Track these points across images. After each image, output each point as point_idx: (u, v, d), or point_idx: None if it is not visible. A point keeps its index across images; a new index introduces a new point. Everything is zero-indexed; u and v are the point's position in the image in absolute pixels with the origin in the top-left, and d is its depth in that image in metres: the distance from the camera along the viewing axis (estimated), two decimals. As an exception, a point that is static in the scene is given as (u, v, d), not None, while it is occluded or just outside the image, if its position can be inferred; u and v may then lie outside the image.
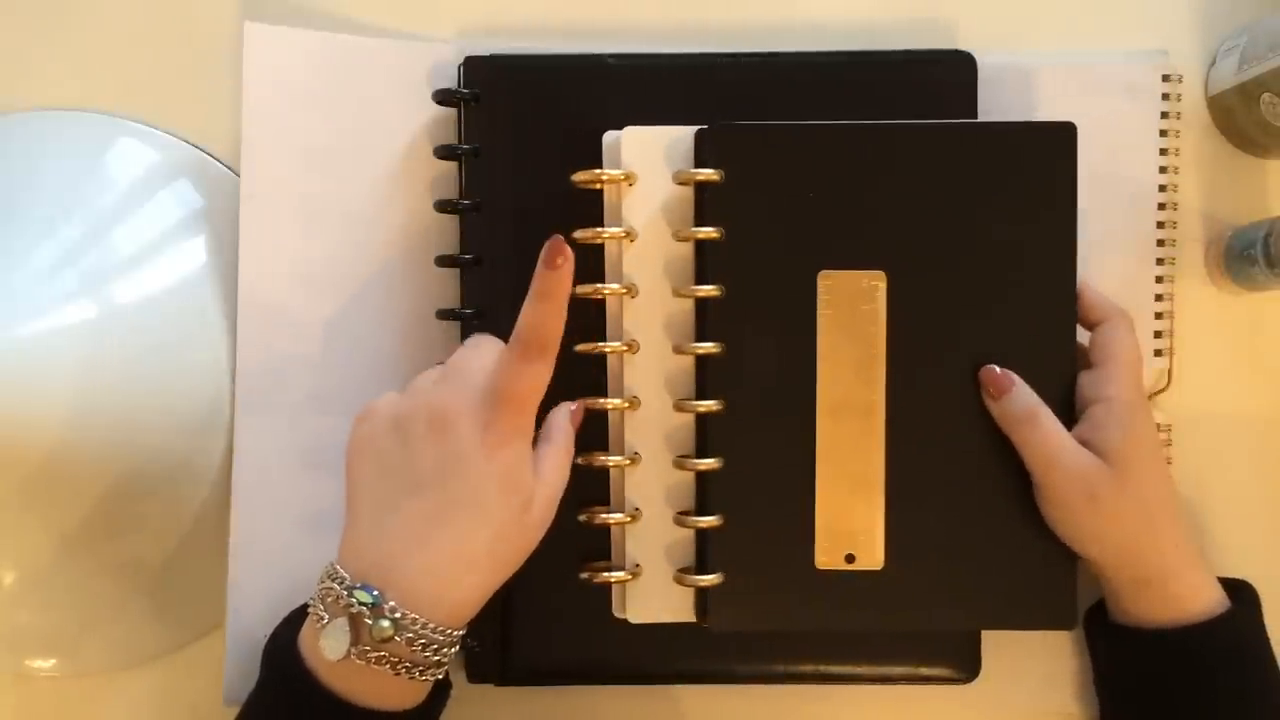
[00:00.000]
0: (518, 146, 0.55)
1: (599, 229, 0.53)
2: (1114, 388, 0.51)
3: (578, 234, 0.52)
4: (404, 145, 0.57)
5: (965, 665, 0.56)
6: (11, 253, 0.52)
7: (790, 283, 0.52)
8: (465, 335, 0.55)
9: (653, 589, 0.53)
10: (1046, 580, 0.52)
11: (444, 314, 0.56)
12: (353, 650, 0.44)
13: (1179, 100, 0.57)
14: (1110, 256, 0.56)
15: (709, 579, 0.51)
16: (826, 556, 0.52)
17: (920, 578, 0.52)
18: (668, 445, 0.53)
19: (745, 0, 0.59)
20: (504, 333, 0.48)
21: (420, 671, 0.45)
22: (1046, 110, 0.57)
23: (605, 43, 0.58)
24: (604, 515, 0.53)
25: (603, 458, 0.53)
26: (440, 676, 0.46)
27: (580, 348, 0.52)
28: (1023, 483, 0.52)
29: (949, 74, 0.56)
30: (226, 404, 0.56)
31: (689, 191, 0.52)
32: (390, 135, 0.57)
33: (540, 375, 0.47)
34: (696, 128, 0.52)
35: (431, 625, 0.45)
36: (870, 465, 0.52)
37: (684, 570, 0.52)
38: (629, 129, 0.53)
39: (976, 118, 0.55)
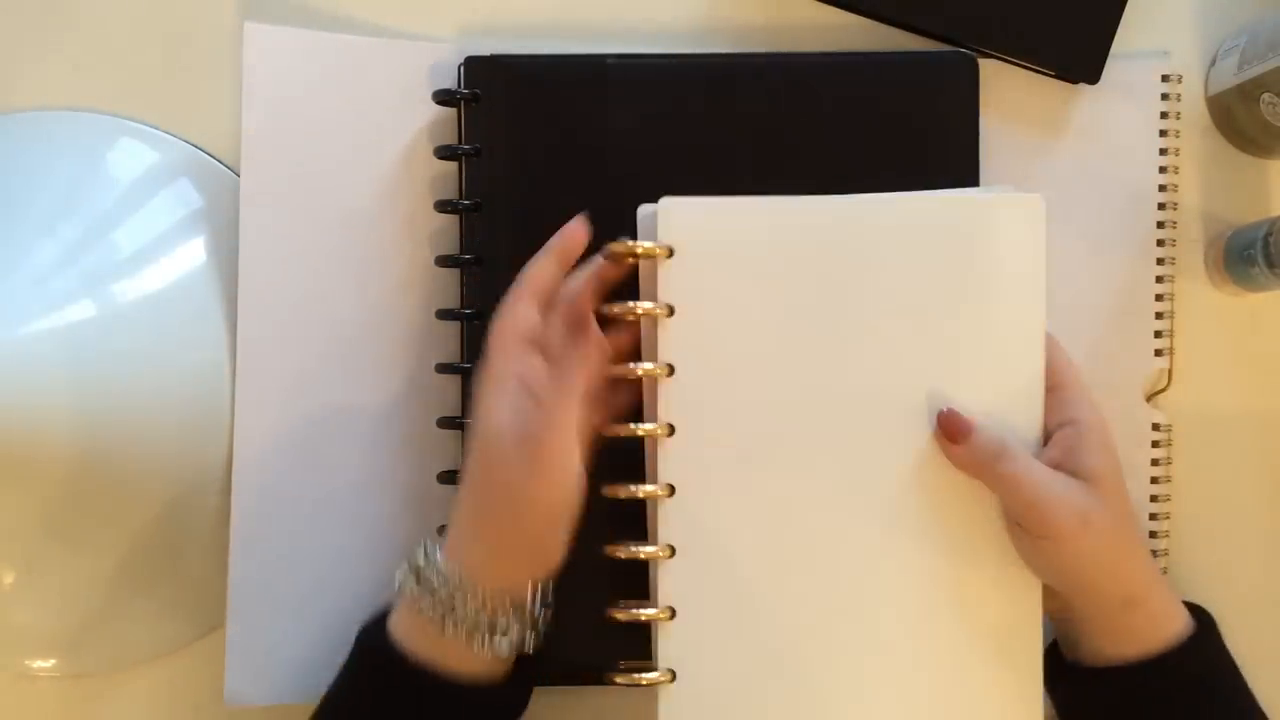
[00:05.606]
0: (518, 146, 0.55)
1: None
2: (1077, 410, 0.50)
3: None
4: (404, 145, 0.57)
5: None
6: (11, 253, 0.52)
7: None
8: (465, 335, 0.55)
9: None
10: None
11: (444, 314, 0.56)
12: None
13: (1179, 100, 0.57)
14: (1110, 256, 0.56)
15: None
16: None
17: None
18: None
19: (745, 0, 0.59)
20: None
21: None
22: (1047, 109, 0.56)
23: (605, 43, 0.58)
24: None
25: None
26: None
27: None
28: None
29: (949, 74, 0.56)
30: (226, 404, 0.56)
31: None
32: (390, 135, 0.57)
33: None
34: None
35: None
36: None
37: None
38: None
39: (978, 117, 0.55)
